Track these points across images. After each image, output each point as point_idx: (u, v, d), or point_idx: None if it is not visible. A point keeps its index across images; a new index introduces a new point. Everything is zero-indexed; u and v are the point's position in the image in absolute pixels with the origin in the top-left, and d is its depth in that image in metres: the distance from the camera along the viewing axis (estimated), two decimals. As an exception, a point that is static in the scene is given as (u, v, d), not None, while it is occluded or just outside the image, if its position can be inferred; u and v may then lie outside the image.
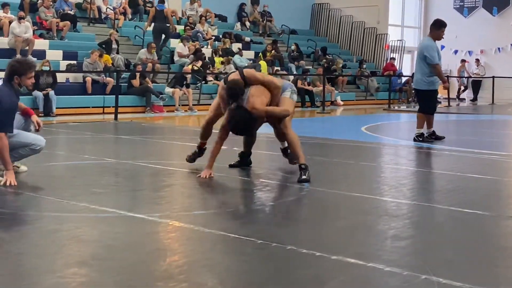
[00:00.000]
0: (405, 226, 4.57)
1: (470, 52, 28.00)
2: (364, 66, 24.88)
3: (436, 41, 10.13)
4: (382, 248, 3.97)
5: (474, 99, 26.82)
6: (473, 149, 9.26)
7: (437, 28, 10.11)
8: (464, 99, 27.35)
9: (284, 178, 6.46)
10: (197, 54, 18.97)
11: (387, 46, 27.30)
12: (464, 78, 27.29)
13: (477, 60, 27.50)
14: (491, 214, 5.00)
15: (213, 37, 21.73)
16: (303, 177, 6.15)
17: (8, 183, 5.67)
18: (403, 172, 7.43)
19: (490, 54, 27.72)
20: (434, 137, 10.18)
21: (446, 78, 10.03)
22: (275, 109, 6.43)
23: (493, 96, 24.29)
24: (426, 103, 10.27)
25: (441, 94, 25.33)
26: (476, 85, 27.20)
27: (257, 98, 6.27)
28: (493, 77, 24.54)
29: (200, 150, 7.08)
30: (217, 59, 20.22)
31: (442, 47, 27.57)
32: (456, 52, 27.78)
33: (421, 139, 10.02)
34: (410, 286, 3.25)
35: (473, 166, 7.88)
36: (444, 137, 10.23)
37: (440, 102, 23.88)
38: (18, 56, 15.95)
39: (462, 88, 27.57)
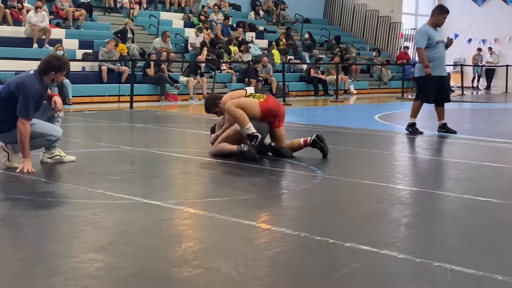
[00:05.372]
0: (418, 214, 4.59)
1: (484, 41, 27.84)
2: (380, 55, 24.80)
3: (437, 27, 9.69)
4: (396, 236, 4.00)
5: (488, 87, 26.66)
6: (486, 137, 9.24)
7: (439, 13, 9.71)
8: (478, 87, 27.21)
9: (297, 166, 6.49)
10: (212, 44, 19.02)
11: (401, 35, 27.19)
12: (478, 67, 27.13)
13: (490, 48, 27.32)
14: (505, 202, 5.00)
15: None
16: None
17: (26, 171, 5.76)
18: (416, 160, 7.44)
19: (504, 43, 27.56)
20: (444, 130, 9.74)
21: (427, 64, 9.44)
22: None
23: (507, 85, 24.10)
24: (420, 90, 10.07)
25: (455, 82, 25.27)
26: (490, 74, 27.04)
27: None
28: (507, 65, 24.33)
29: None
30: (232, 48, 20.23)
31: (456, 35, 27.56)
32: (470, 40, 27.64)
33: (410, 129, 9.71)
34: (423, 273, 3.27)
35: (487, 154, 7.87)
36: (456, 131, 9.69)
37: (453, 91, 23.77)
38: (35, 45, 16.09)
39: (477, 76, 27.43)
